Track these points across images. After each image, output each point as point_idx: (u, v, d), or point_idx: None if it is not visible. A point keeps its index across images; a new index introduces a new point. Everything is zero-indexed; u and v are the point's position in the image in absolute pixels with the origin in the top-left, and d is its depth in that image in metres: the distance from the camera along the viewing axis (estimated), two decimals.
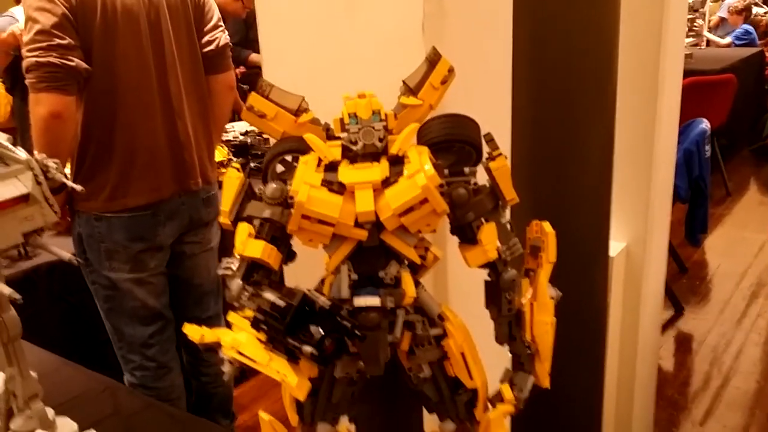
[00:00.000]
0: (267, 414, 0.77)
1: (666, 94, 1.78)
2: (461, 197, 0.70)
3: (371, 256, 0.71)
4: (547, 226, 0.76)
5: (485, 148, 0.74)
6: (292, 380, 0.60)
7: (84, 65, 1.63)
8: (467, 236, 0.73)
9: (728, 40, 6.20)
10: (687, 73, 2.22)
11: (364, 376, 0.79)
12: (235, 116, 2.93)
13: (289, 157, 0.77)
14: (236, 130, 3.07)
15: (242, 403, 2.45)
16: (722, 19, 6.71)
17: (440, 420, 0.79)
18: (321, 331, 0.61)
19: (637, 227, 1.81)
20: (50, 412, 1.22)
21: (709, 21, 6.68)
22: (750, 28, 6.33)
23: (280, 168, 0.77)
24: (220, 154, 2.57)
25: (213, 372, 2.09)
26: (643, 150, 1.78)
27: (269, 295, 0.63)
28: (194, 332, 0.69)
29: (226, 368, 0.65)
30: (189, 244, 1.92)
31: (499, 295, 0.75)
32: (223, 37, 1.92)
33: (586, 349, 1.59)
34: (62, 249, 2.22)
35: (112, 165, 1.74)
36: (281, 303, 0.61)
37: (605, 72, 1.37)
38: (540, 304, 0.76)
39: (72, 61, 1.60)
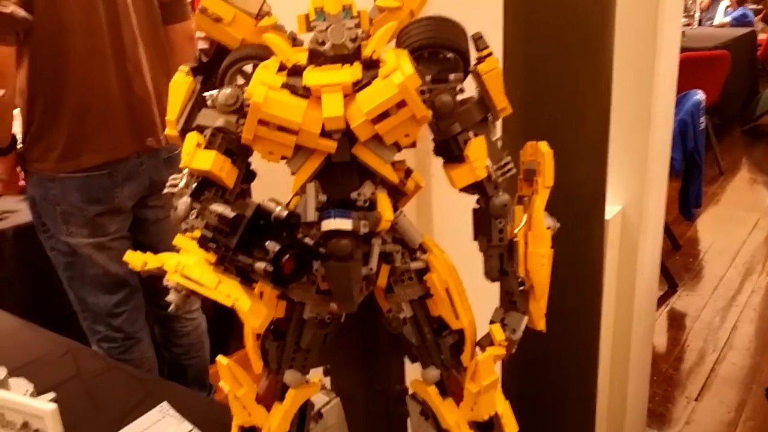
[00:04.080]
0: (225, 358, 0.68)
1: (664, 53, 1.70)
2: (446, 105, 0.60)
3: (342, 174, 0.62)
4: (543, 146, 0.67)
5: (473, 55, 0.64)
6: (243, 304, 0.51)
7: (22, 13, 1.50)
8: (453, 154, 0.63)
9: (727, 19, 6.15)
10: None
11: (337, 318, 0.70)
12: None
13: (248, 68, 0.67)
14: None
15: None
16: (713, 1, 6.67)
17: (423, 367, 0.70)
18: (277, 246, 0.51)
19: (633, 190, 1.74)
20: (2, 371, 1.13)
21: (701, 2, 6.63)
22: (748, 11, 6.27)
23: (239, 81, 0.68)
24: None
25: (186, 343, 2.00)
26: (641, 109, 1.69)
27: (217, 207, 0.54)
28: (136, 259, 0.59)
29: (171, 297, 0.56)
30: (153, 209, 1.81)
31: (488, 224, 0.65)
32: None
33: (580, 313, 1.51)
34: (22, 214, 2.13)
35: (62, 122, 1.63)
36: (230, 214, 0.52)
37: (602, 31, 1.29)
38: (535, 235, 0.67)
39: (6, 7, 1.47)
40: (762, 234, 3.58)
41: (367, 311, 0.74)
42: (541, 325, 0.69)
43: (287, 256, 0.51)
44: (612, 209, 1.70)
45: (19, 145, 1.71)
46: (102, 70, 1.64)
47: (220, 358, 0.68)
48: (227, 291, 0.52)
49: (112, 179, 1.69)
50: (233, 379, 0.68)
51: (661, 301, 2.93)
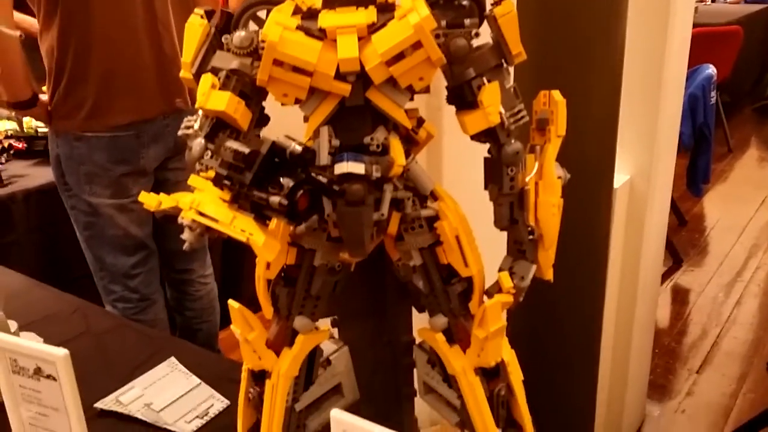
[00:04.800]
0: (236, 303, 0.68)
1: (677, 21, 1.68)
2: (460, 49, 0.60)
3: (355, 119, 0.62)
4: (556, 94, 0.67)
5: (489, 1, 0.64)
6: (258, 238, 0.52)
7: None
8: (466, 100, 0.63)
9: None
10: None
11: (347, 267, 0.71)
12: None
13: (263, 14, 0.67)
14: None
15: (231, 343, 2.38)
16: None
17: (430, 315, 0.70)
18: (292, 182, 0.51)
19: (641, 160, 1.73)
20: (13, 324, 1.14)
21: None
22: None
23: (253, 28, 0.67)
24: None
25: (198, 307, 2.02)
26: (652, 77, 1.68)
27: (232, 144, 0.54)
28: (150, 199, 0.60)
29: (186, 235, 0.56)
30: (173, 171, 1.83)
31: (500, 172, 0.66)
32: None
33: (586, 281, 1.52)
34: (42, 175, 2.15)
35: (91, 80, 1.64)
36: (246, 150, 0.52)
37: (616, 3, 1.29)
38: (546, 184, 0.67)
39: None
40: None
41: (376, 262, 0.74)
42: (549, 274, 0.69)
43: (301, 192, 0.51)
44: (620, 178, 1.70)
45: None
46: (132, 30, 1.64)
47: (232, 302, 0.69)
48: (242, 226, 0.52)
49: (139, 140, 1.70)
50: (244, 322, 0.69)
51: (666, 276, 2.94)
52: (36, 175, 2.12)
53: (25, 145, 2.30)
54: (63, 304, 1.37)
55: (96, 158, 1.68)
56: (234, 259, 2.36)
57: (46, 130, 2.04)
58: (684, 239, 3.27)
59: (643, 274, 1.79)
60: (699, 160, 2.96)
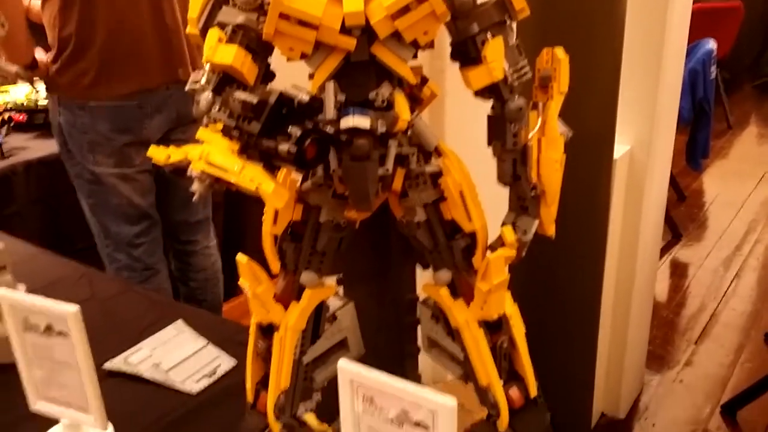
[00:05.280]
0: (245, 256, 0.70)
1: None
2: (465, 4, 0.61)
3: (360, 74, 0.63)
4: (559, 51, 0.68)
5: None
6: (267, 186, 0.53)
7: None
8: (470, 55, 0.64)
9: None
10: None
11: (352, 224, 0.72)
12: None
13: None
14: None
15: (234, 316, 2.40)
16: None
17: (434, 271, 0.72)
18: (300, 131, 0.52)
19: (642, 130, 1.74)
20: (21, 287, 1.16)
21: None
22: None
23: None
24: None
25: (202, 278, 2.04)
26: (653, 48, 1.68)
27: (240, 94, 0.55)
28: (159, 153, 0.61)
29: (196, 186, 0.57)
30: (176, 142, 1.83)
31: (503, 128, 0.67)
32: None
33: (586, 251, 1.54)
34: (42, 147, 2.16)
35: (93, 49, 1.65)
36: (254, 100, 0.53)
37: None
38: (548, 140, 0.68)
39: None
40: None
41: (381, 222, 0.76)
42: (551, 230, 0.71)
43: (309, 141, 0.52)
44: (620, 149, 1.71)
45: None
46: (134, 1, 1.65)
47: (240, 257, 0.70)
48: (251, 175, 0.54)
49: (142, 110, 1.72)
50: (253, 276, 0.70)
51: (665, 250, 2.96)
52: (36, 148, 2.12)
53: (25, 117, 2.30)
54: (68, 271, 1.39)
55: (99, 127, 1.70)
56: (235, 231, 2.38)
57: (46, 102, 2.04)
58: (683, 214, 3.29)
59: (642, 245, 1.81)
60: (698, 135, 2.97)
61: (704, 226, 3.23)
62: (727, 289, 2.65)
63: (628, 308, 1.84)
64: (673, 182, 3.26)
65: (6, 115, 2.23)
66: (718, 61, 3.18)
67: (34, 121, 2.30)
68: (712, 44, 2.95)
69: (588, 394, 1.75)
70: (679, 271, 2.85)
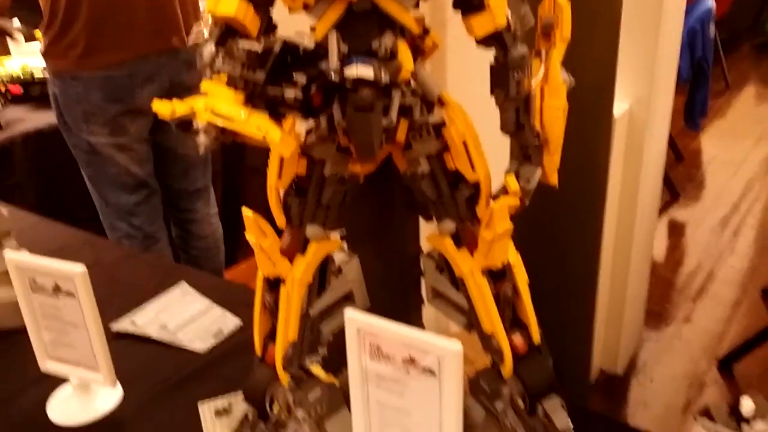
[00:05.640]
0: (250, 210, 0.70)
1: None
2: None
3: (363, 24, 0.62)
4: None
5: None
6: (274, 134, 0.53)
7: None
8: (473, 3, 0.64)
9: None
10: None
11: (356, 178, 0.73)
12: None
13: None
14: None
15: None
16: None
17: (438, 222, 0.72)
18: (305, 77, 0.52)
19: (641, 87, 1.73)
20: (24, 251, 1.16)
21: None
22: None
23: None
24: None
25: (203, 246, 2.05)
26: (652, 4, 1.67)
27: (245, 43, 0.55)
28: (164, 107, 0.60)
29: (201, 138, 0.57)
30: None
31: (506, 77, 0.66)
32: None
33: (585, 208, 1.54)
34: (40, 119, 2.16)
35: (83, 19, 1.65)
36: (259, 48, 0.53)
37: None
38: (551, 88, 0.68)
39: None
40: (766, 147, 3.58)
41: (384, 178, 0.76)
42: (554, 178, 0.71)
43: (315, 87, 0.52)
44: (620, 107, 1.71)
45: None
46: None
47: (246, 210, 0.70)
48: (257, 123, 0.54)
49: (132, 79, 1.71)
50: (258, 230, 0.71)
51: (663, 210, 2.97)
52: (34, 119, 2.12)
53: (21, 89, 2.28)
54: (72, 238, 1.39)
55: (92, 97, 1.70)
56: (234, 201, 2.38)
57: (41, 74, 2.04)
58: (681, 174, 3.30)
59: (641, 203, 1.81)
60: (697, 95, 2.96)
61: (702, 185, 3.24)
62: (725, 247, 2.67)
63: (627, 266, 1.85)
64: (671, 142, 3.25)
65: (2, 87, 2.22)
66: (717, 21, 3.16)
67: (30, 93, 2.29)
68: (710, 3, 2.93)
69: (587, 351, 1.77)
70: (677, 230, 2.87)
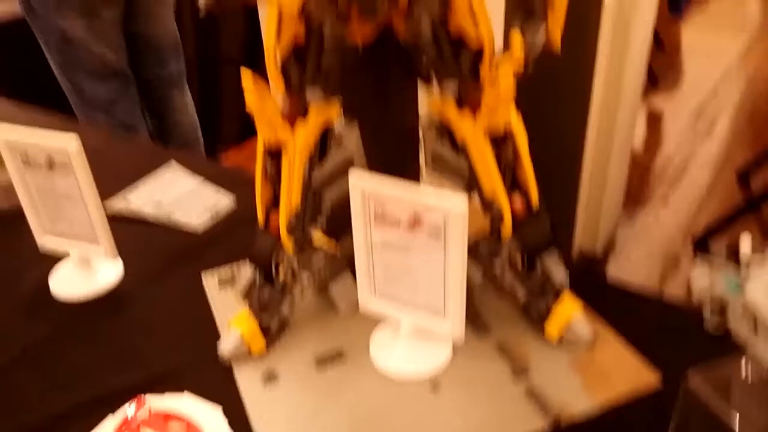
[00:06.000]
0: (249, 70, 0.69)
1: None
2: None
3: None
4: None
5: None
6: None
7: None
8: None
9: None
10: None
11: (355, 49, 0.71)
12: None
13: None
14: None
15: None
16: None
17: (440, 83, 0.72)
18: None
19: None
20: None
21: None
22: None
23: None
24: None
25: (181, 134, 2.03)
26: None
27: None
28: None
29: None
30: None
31: None
32: None
33: (572, 93, 1.55)
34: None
35: None
36: None
37: None
38: None
39: None
40: (744, 39, 3.56)
41: (384, 48, 0.74)
42: (556, 35, 0.70)
43: None
44: None
45: None
46: None
47: (244, 70, 0.69)
48: None
49: None
50: (258, 94, 0.70)
51: (642, 96, 2.97)
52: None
53: None
54: (52, 124, 1.36)
55: None
56: (212, 97, 2.34)
57: None
58: (661, 62, 3.28)
59: (625, 88, 1.82)
60: None
61: (681, 74, 3.23)
62: (702, 132, 2.70)
63: (610, 149, 1.88)
64: (653, 32, 3.21)
65: None
66: None
67: None
68: None
69: (569, 232, 1.82)
70: (656, 116, 2.89)
